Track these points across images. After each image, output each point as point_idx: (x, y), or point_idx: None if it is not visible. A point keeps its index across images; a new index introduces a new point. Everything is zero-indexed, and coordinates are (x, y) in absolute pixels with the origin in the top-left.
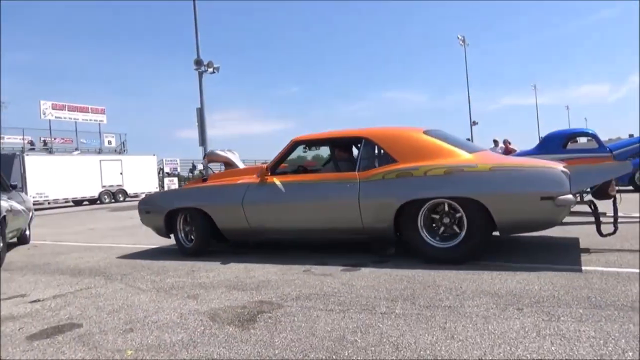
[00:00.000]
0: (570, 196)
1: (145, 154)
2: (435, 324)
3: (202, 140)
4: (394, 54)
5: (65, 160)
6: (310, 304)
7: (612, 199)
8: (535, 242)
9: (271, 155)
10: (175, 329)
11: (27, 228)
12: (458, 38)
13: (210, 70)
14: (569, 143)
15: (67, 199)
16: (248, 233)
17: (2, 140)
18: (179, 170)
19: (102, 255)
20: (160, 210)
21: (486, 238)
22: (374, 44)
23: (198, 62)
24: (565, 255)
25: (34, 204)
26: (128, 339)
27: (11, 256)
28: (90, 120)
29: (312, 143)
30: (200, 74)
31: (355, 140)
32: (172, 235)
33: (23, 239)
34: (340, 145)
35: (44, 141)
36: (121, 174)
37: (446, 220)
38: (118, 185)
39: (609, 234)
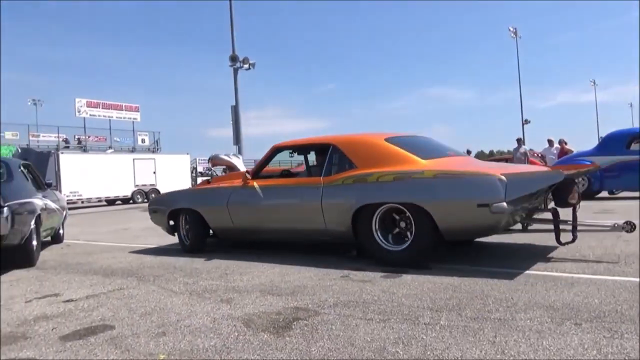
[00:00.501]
0: (504, 204)
1: (178, 153)
2: (484, 337)
3: (237, 139)
4: (438, 48)
5: (99, 159)
6: (349, 312)
7: (572, 208)
8: (597, 250)
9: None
10: (208, 334)
11: (61, 227)
12: (509, 30)
13: (246, 66)
14: (633, 143)
15: (100, 198)
16: (234, 233)
17: (38, 138)
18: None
19: (135, 255)
20: (164, 210)
21: (433, 242)
22: (415, 38)
23: (233, 59)
24: (626, 265)
25: (67, 203)
26: (160, 343)
27: (45, 255)
28: (124, 118)
29: (290, 149)
30: (235, 71)
31: (326, 146)
32: (176, 234)
33: (57, 238)
34: (314, 151)
35: (79, 139)
36: (154, 173)
37: (402, 224)
38: (151, 185)
39: (568, 243)
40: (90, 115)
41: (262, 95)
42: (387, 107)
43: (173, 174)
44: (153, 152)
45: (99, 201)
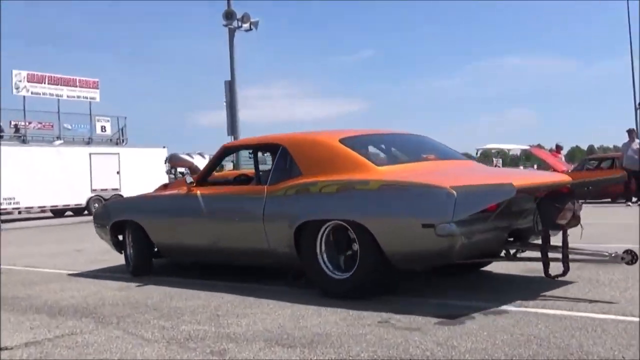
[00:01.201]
0: (452, 225)
1: (151, 146)
2: None
3: (232, 127)
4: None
5: (43, 154)
6: None
7: (563, 231)
8: None
9: None
10: None
11: None
12: None
13: (246, 26)
14: None
15: (43, 207)
16: (177, 251)
17: None
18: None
19: (92, 288)
20: (107, 223)
21: (382, 269)
22: None
23: (229, 15)
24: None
25: (0, 213)
26: None
27: None
28: (79, 97)
29: (241, 149)
30: (232, 32)
31: (275, 147)
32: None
33: None
34: (267, 152)
35: (16, 126)
36: (118, 173)
37: (355, 246)
38: (114, 189)
39: (558, 276)
40: (32, 93)
41: (268, 66)
42: (442, 84)
43: (144, 175)
44: (117, 144)
45: (42, 211)
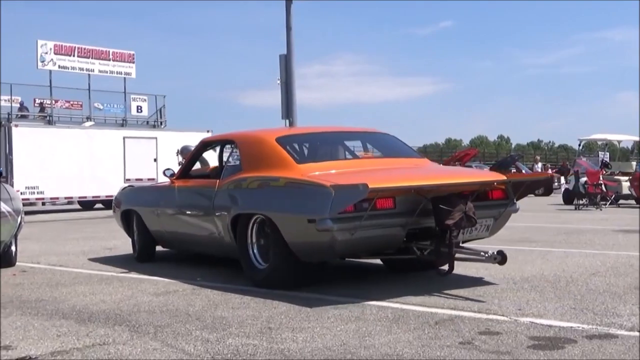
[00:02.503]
0: (328, 221)
1: (194, 129)
2: None
3: (288, 110)
4: None
5: (71, 137)
6: None
7: (449, 231)
8: None
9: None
10: None
11: (13, 242)
12: None
13: None
14: None
15: (70, 198)
16: (166, 240)
17: None
18: None
19: (125, 291)
20: (118, 210)
21: (290, 262)
22: None
23: None
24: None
25: (22, 204)
26: None
27: None
28: (112, 72)
29: (215, 145)
30: None
31: (232, 143)
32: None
33: (6, 258)
34: (225, 147)
35: (41, 104)
36: (155, 160)
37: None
38: (150, 179)
39: (445, 273)
40: (60, 67)
41: (330, 39)
42: (539, 62)
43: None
44: (154, 127)
45: (69, 203)
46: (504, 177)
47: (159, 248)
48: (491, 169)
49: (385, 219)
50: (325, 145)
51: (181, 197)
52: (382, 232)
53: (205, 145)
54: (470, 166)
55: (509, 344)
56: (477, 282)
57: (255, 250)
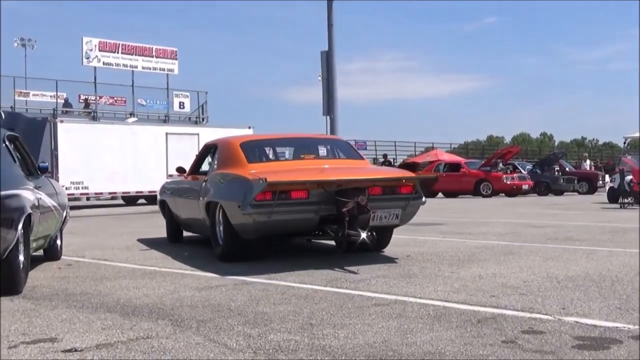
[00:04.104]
0: (248, 206)
1: (235, 125)
2: None
3: (329, 107)
4: None
5: (115, 132)
6: None
7: (343, 217)
8: None
9: (432, 138)
10: None
11: (59, 236)
12: None
13: None
14: None
15: (115, 193)
16: (181, 224)
17: (27, 98)
18: None
19: (168, 286)
20: (160, 199)
21: (237, 240)
22: None
23: None
24: None
25: (68, 199)
26: None
27: (35, 277)
28: (155, 69)
29: (212, 147)
30: None
31: (216, 146)
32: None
33: (52, 252)
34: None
35: (85, 100)
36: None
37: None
38: None
39: (343, 251)
40: (104, 63)
41: (373, 36)
42: (588, 57)
43: None
44: (196, 123)
45: (112, 198)
46: (402, 175)
47: (198, 245)
48: (534, 166)
49: (300, 206)
50: (279, 149)
51: (186, 189)
52: (297, 216)
53: (207, 147)
54: (512, 163)
55: (553, 344)
56: (520, 280)
57: (220, 229)
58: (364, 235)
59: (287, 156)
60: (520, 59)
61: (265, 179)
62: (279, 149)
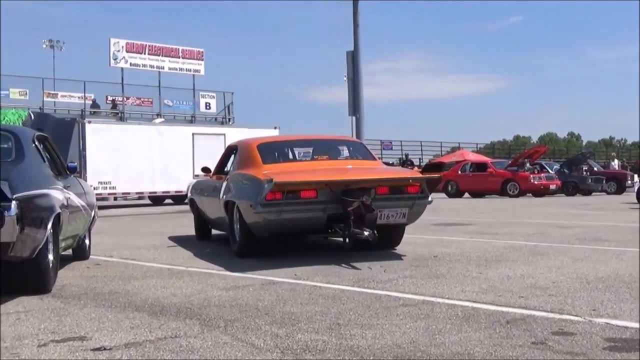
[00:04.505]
0: (259, 206)
1: (261, 126)
2: None
3: (355, 106)
4: None
5: (143, 133)
6: None
7: (348, 216)
8: None
9: (458, 138)
10: None
11: (87, 235)
12: None
13: None
14: None
15: (142, 192)
16: (206, 221)
17: (55, 99)
18: None
19: (196, 285)
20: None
21: (251, 237)
22: None
23: None
24: None
25: (96, 198)
26: None
27: (65, 276)
28: (181, 69)
29: (234, 148)
30: None
31: (237, 147)
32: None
33: (80, 252)
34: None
35: (113, 101)
36: None
37: None
38: None
39: (349, 248)
40: (131, 64)
41: (397, 36)
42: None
43: None
44: (222, 123)
45: (140, 198)
46: (410, 176)
47: (224, 243)
48: (562, 166)
49: (308, 205)
50: (295, 150)
51: (211, 189)
52: (306, 215)
53: (230, 148)
54: (539, 163)
55: (583, 345)
56: (549, 281)
57: (237, 227)
58: (366, 233)
59: (301, 157)
60: (546, 58)
61: (272, 179)
62: (294, 150)
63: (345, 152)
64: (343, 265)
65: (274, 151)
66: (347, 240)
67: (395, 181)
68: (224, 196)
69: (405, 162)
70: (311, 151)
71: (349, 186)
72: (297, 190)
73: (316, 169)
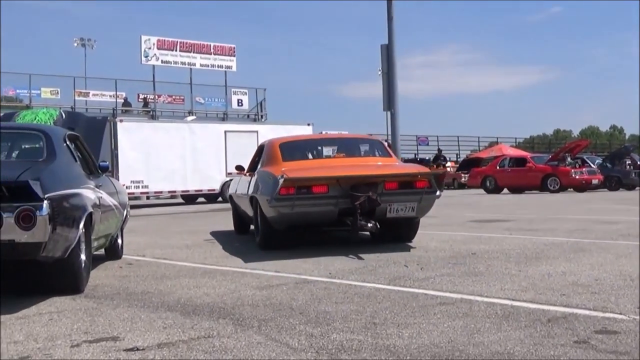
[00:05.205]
0: (273, 200)
1: (295, 122)
2: None
3: (390, 102)
4: None
5: (174, 131)
6: None
7: (355, 210)
8: None
9: (497, 132)
10: None
11: (120, 235)
12: None
13: None
14: None
15: (174, 192)
16: (241, 215)
17: (86, 98)
18: None
19: (229, 285)
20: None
21: (270, 229)
22: None
23: None
24: None
25: (128, 197)
26: None
27: (97, 276)
28: (213, 66)
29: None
30: None
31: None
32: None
33: (113, 251)
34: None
35: (145, 99)
36: None
37: None
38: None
39: (352, 235)
40: (162, 62)
41: (434, 28)
42: None
43: None
44: (255, 120)
45: (172, 197)
46: (416, 172)
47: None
48: (604, 160)
49: (320, 200)
50: (314, 148)
51: (242, 186)
52: (318, 208)
53: (260, 147)
54: (581, 157)
55: (627, 344)
56: (592, 278)
57: (259, 220)
58: (370, 225)
59: (321, 155)
60: (587, 50)
61: (283, 176)
62: (314, 149)
63: (363, 150)
64: (380, 265)
65: (294, 150)
66: (353, 231)
67: (402, 177)
68: (249, 192)
69: (438, 158)
70: (331, 149)
71: (357, 182)
72: (309, 185)
73: (331, 166)
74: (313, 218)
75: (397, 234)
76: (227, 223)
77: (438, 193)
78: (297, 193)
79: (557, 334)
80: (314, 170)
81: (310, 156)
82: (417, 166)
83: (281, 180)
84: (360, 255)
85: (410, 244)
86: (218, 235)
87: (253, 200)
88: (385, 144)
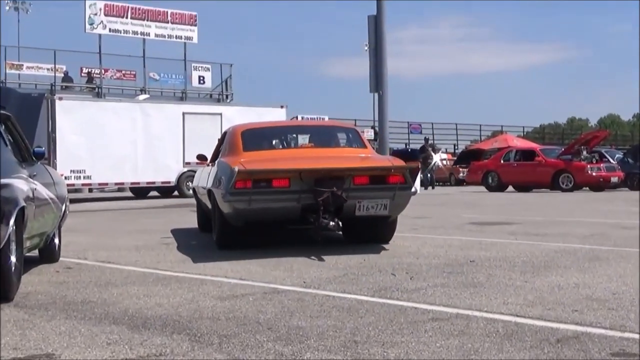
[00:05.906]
0: (227, 194)
1: (265, 105)
2: None
3: (378, 82)
4: None
5: (123, 112)
6: None
7: (319, 206)
8: None
9: (501, 120)
10: None
11: (57, 234)
12: None
13: None
14: None
15: (122, 184)
16: (203, 209)
17: (20, 71)
18: None
19: (185, 294)
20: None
21: (227, 226)
22: None
23: None
24: None
25: (67, 190)
26: None
27: (30, 282)
28: (170, 37)
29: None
30: None
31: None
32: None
33: (49, 253)
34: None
35: (89, 74)
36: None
37: None
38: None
39: (318, 240)
40: (110, 30)
41: None
42: None
43: None
44: (219, 101)
45: (120, 190)
46: (389, 165)
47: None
48: (625, 155)
49: (281, 194)
50: (280, 137)
51: (202, 177)
52: (278, 204)
53: (223, 134)
54: (598, 151)
55: None
56: (609, 292)
57: (216, 216)
58: (332, 223)
59: (288, 144)
60: (610, 25)
61: (235, 169)
62: (281, 137)
63: (334, 139)
64: (364, 272)
65: (258, 138)
66: (315, 231)
67: (372, 170)
68: (208, 185)
69: (424, 149)
70: (299, 138)
71: (321, 175)
72: (269, 178)
73: (295, 157)
74: (273, 215)
75: (371, 235)
76: (184, 221)
77: (414, 189)
78: (255, 187)
79: (567, 356)
80: (275, 162)
81: (275, 146)
82: (391, 158)
83: (236, 172)
84: (340, 260)
85: (408, 248)
86: (174, 235)
87: (211, 195)
88: (362, 132)
